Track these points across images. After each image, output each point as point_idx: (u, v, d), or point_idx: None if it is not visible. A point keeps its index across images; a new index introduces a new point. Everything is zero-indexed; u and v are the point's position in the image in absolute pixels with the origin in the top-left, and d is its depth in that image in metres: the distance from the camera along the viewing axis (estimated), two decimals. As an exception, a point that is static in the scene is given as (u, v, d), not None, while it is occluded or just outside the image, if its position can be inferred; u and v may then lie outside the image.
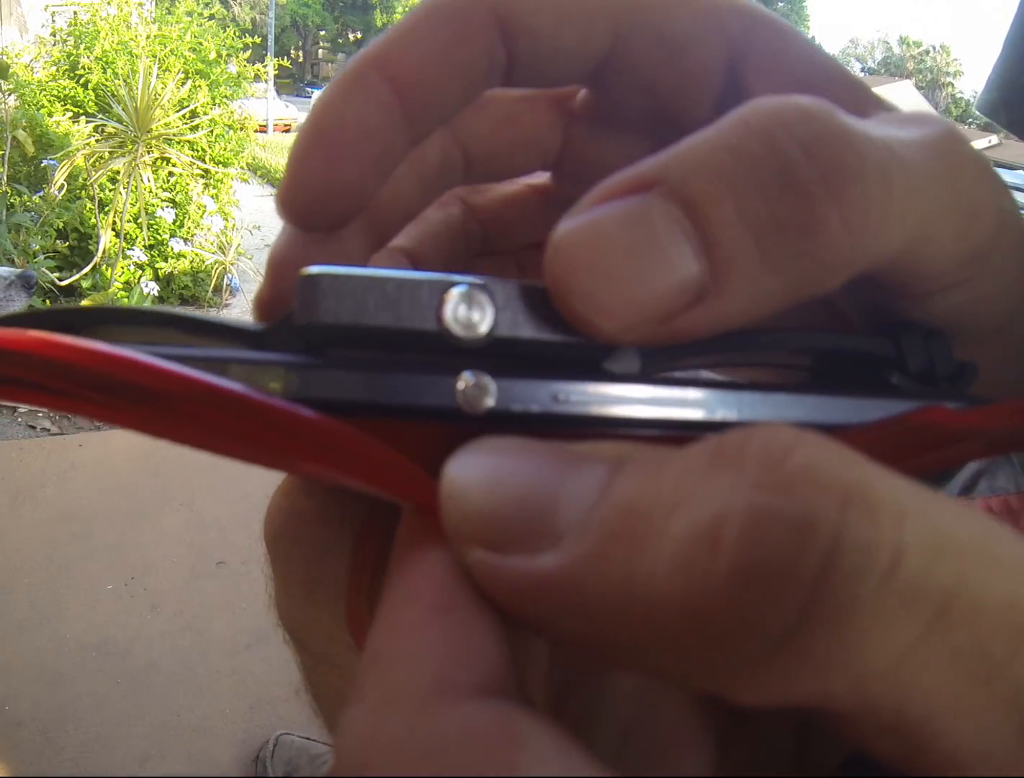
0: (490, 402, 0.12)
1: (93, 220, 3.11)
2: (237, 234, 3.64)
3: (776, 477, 0.09)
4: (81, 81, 3.57)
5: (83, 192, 3.16)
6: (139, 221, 3.22)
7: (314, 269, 0.12)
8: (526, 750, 0.08)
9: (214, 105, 3.67)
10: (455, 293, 0.12)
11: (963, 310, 0.15)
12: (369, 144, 0.15)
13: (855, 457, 0.09)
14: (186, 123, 3.34)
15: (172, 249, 3.43)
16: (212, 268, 3.48)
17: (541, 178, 0.22)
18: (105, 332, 0.14)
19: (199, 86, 3.58)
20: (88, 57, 3.57)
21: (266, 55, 7.02)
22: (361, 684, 0.10)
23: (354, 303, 0.12)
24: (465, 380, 0.12)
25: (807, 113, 0.12)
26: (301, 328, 0.12)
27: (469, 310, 0.12)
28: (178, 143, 3.37)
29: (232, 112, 3.85)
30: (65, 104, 3.52)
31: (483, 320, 0.12)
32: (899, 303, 0.15)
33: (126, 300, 3.02)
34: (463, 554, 0.10)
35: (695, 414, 0.13)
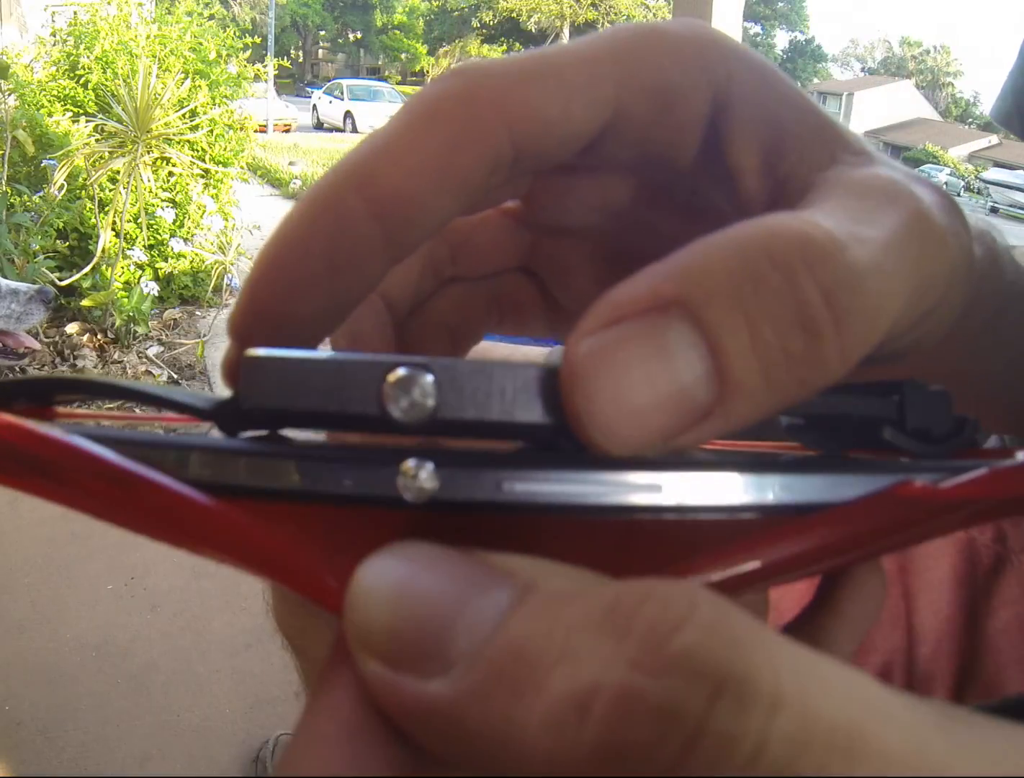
0: (432, 491, 0.12)
1: (93, 220, 3.11)
2: (237, 234, 3.64)
3: (653, 659, 0.09)
4: (81, 81, 3.57)
5: (83, 192, 3.16)
6: (139, 221, 3.22)
7: (258, 351, 0.12)
8: None
9: (214, 105, 3.67)
10: (396, 376, 0.12)
11: (908, 346, 0.17)
12: (336, 279, 0.15)
13: (747, 636, 0.09)
14: (186, 123, 3.34)
15: (172, 249, 3.43)
16: (212, 268, 3.48)
17: (511, 203, 0.22)
18: (65, 398, 0.15)
19: (199, 86, 3.58)
20: (88, 57, 3.57)
21: (266, 55, 7.02)
22: None
23: (295, 387, 0.12)
24: (408, 468, 0.12)
25: (824, 252, 0.12)
26: (245, 411, 0.12)
27: (409, 393, 0.12)
28: (178, 143, 3.36)
29: (232, 112, 3.85)
30: (65, 104, 3.52)
31: (425, 402, 0.12)
32: None
33: (126, 300, 3.02)
34: (361, 662, 0.11)
35: (648, 499, 0.12)
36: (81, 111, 3.48)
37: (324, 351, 0.13)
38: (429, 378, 0.12)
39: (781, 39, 43.90)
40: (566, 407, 0.12)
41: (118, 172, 3.06)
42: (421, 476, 0.12)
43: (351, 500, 0.12)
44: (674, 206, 0.21)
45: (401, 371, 0.12)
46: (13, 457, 0.11)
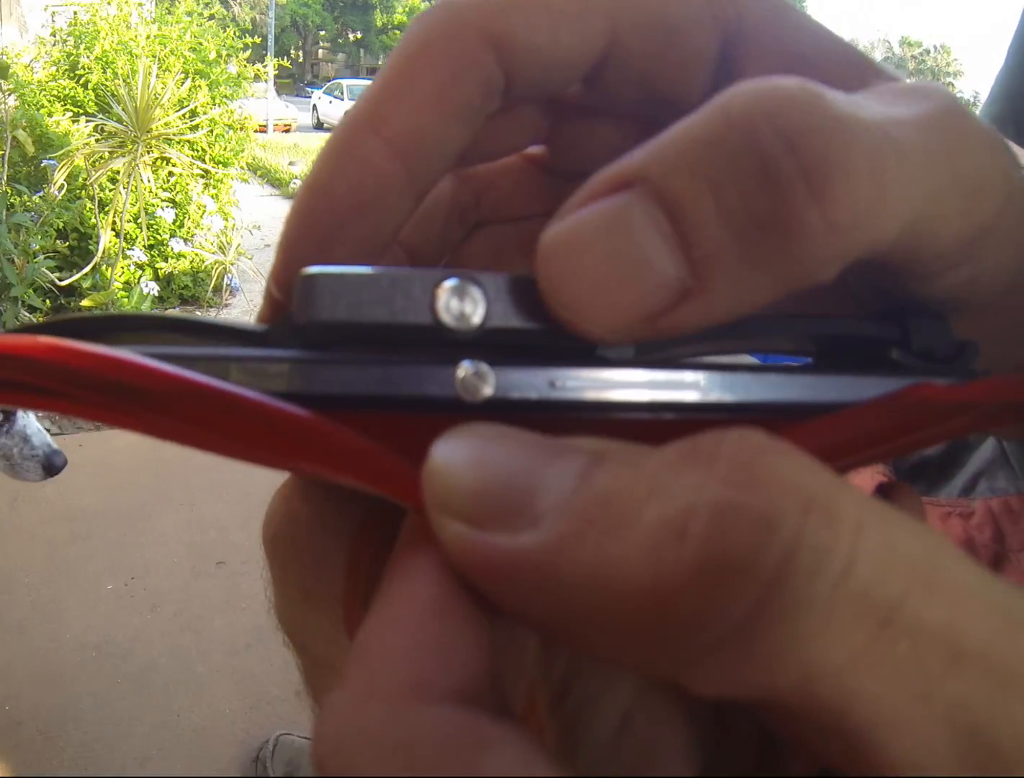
0: (489, 390, 0.12)
1: (93, 220, 3.11)
2: (237, 234, 3.64)
3: (744, 476, 0.09)
4: (81, 81, 3.57)
5: (83, 192, 3.16)
6: (139, 221, 3.22)
7: (312, 269, 0.12)
8: (491, 754, 0.09)
9: (214, 105, 3.67)
10: (447, 286, 0.12)
11: (968, 285, 0.15)
12: (365, 219, 0.15)
13: (822, 469, 0.09)
14: (186, 123, 3.34)
15: (172, 249, 3.43)
16: (212, 268, 3.48)
17: (536, 149, 0.21)
18: (114, 338, 0.15)
19: (199, 86, 3.58)
20: (88, 57, 3.57)
21: (266, 55, 7.02)
22: (348, 671, 0.10)
23: (350, 300, 0.12)
24: (464, 369, 0.12)
25: (790, 100, 0.11)
26: (301, 327, 0.13)
27: (461, 302, 0.12)
28: (178, 143, 3.37)
29: (232, 112, 3.85)
30: (65, 104, 3.52)
31: (475, 312, 0.12)
32: (903, 282, 0.15)
33: (126, 300, 3.02)
34: (443, 527, 0.11)
35: (690, 396, 0.13)
36: (81, 111, 3.48)
37: (375, 267, 0.13)
38: (477, 288, 0.12)
39: (781, 39, 43.88)
40: (539, 290, 0.12)
41: (118, 172, 3.06)
42: (481, 373, 0.12)
43: (410, 403, 0.12)
44: None
45: (452, 281, 0.12)
46: (94, 386, 0.11)
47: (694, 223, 0.11)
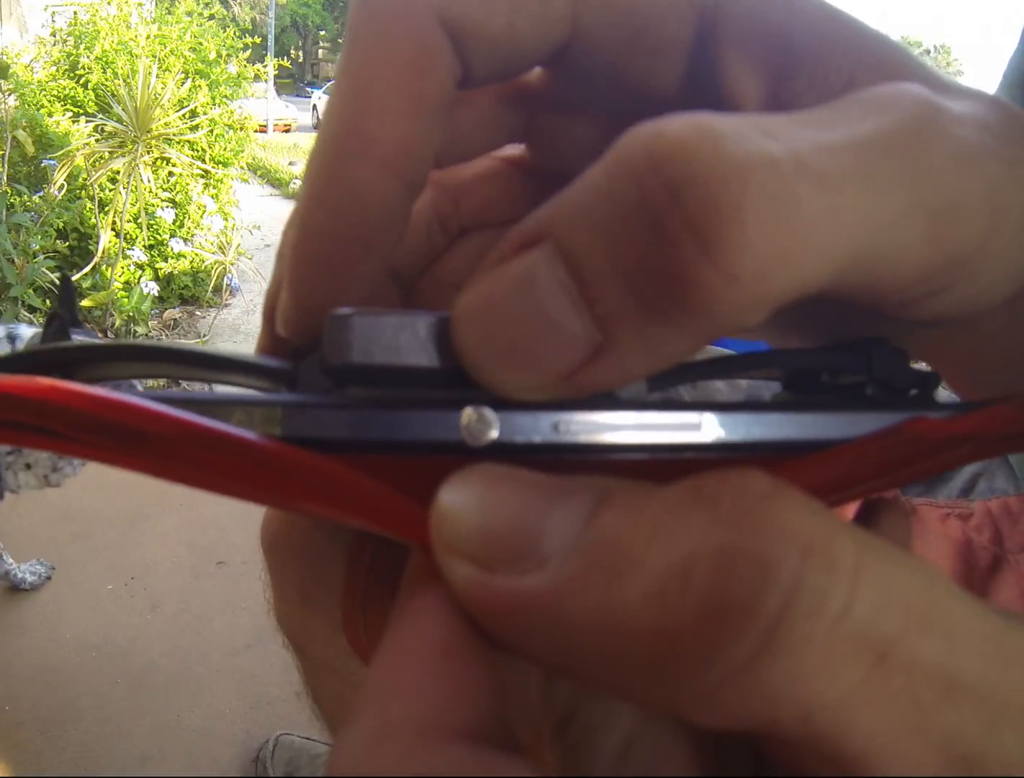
0: (493, 434, 0.12)
1: (93, 220, 3.11)
2: (237, 234, 3.64)
3: (746, 521, 0.09)
4: (81, 81, 3.57)
5: (83, 192, 3.16)
6: (139, 221, 3.22)
7: (344, 310, 0.13)
8: None
9: (214, 105, 3.67)
10: None
11: (953, 311, 0.14)
12: (377, 251, 0.15)
13: (822, 511, 0.10)
14: (186, 123, 3.34)
15: (172, 249, 3.43)
16: (212, 268, 3.48)
17: (515, 150, 0.21)
18: (126, 368, 0.15)
19: (199, 86, 3.58)
20: (88, 57, 3.57)
21: (266, 55, 7.02)
22: (360, 709, 0.10)
23: (386, 344, 0.12)
24: (468, 414, 0.12)
25: (677, 145, 0.10)
26: (333, 369, 0.13)
27: None
28: (178, 143, 3.37)
29: (232, 112, 3.85)
30: (65, 104, 3.52)
31: None
32: (875, 313, 0.14)
33: (126, 300, 3.02)
34: (451, 569, 0.11)
35: (692, 437, 0.13)
36: (81, 111, 3.48)
37: (406, 311, 0.13)
38: None
39: (781, 39, 43.83)
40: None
41: (118, 172, 3.06)
42: (485, 417, 0.12)
43: (415, 447, 0.12)
44: None
45: None
46: (94, 428, 0.11)
47: (593, 280, 0.11)
